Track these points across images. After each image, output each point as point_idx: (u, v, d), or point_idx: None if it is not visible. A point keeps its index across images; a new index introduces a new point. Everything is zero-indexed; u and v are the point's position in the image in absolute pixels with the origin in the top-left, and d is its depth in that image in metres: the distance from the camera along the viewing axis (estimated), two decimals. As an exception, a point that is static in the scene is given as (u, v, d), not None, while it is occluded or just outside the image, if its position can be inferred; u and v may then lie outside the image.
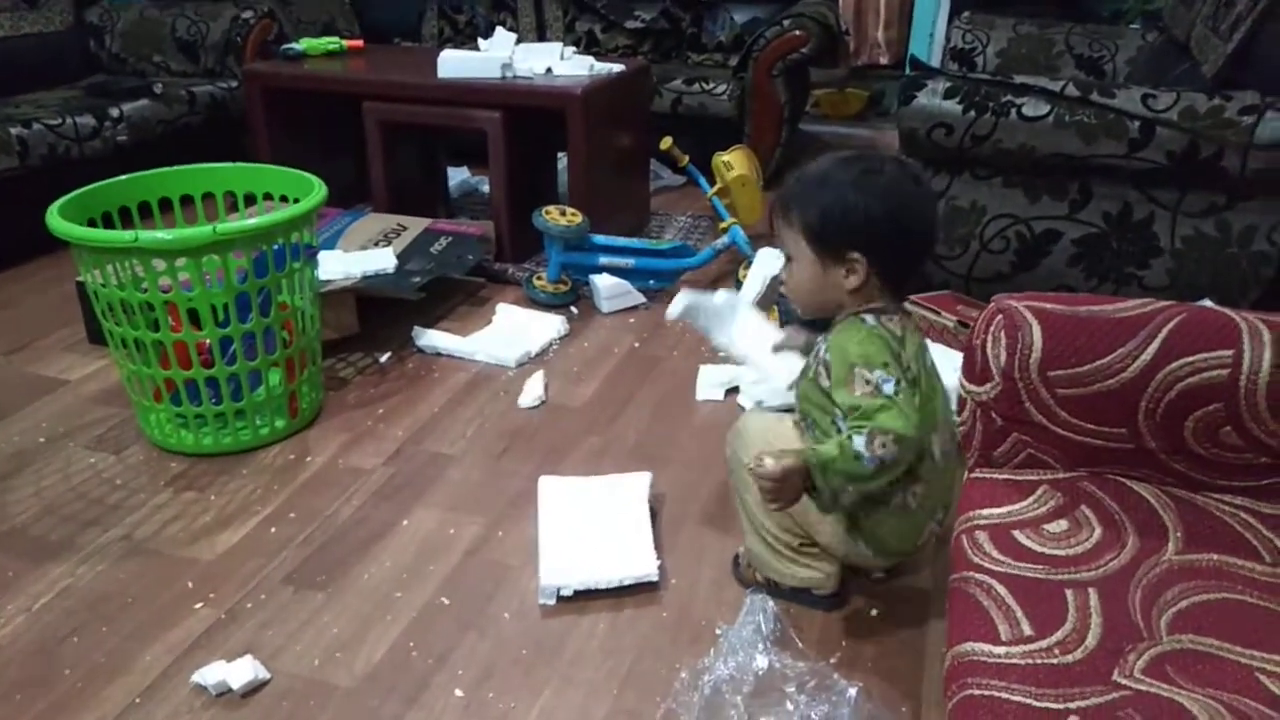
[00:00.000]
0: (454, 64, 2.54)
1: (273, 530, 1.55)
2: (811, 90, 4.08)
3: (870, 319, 1.21)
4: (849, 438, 1.14)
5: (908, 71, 2.38)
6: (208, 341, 1.67)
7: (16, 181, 2.47)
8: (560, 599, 1.38)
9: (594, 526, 1.50)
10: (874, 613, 1.38)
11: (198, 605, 1.38)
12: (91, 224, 1.67)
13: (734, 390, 1.97)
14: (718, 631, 1.30)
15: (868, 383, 1.16)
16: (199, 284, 1.61)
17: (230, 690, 1.21)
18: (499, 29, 2.80)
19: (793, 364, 1.39)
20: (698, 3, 3.64)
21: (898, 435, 1.12)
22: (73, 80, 3.10)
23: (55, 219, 1.58)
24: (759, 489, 1.18)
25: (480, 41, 2.79)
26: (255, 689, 1.23)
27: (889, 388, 1.15)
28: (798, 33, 3.13)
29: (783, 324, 2.08)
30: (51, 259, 2.53)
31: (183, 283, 1.62)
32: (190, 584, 1.42)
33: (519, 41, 2.69)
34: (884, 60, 4.56)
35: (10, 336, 2.21)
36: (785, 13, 3.23)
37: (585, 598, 1.39)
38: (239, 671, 1.22)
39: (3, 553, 1.49)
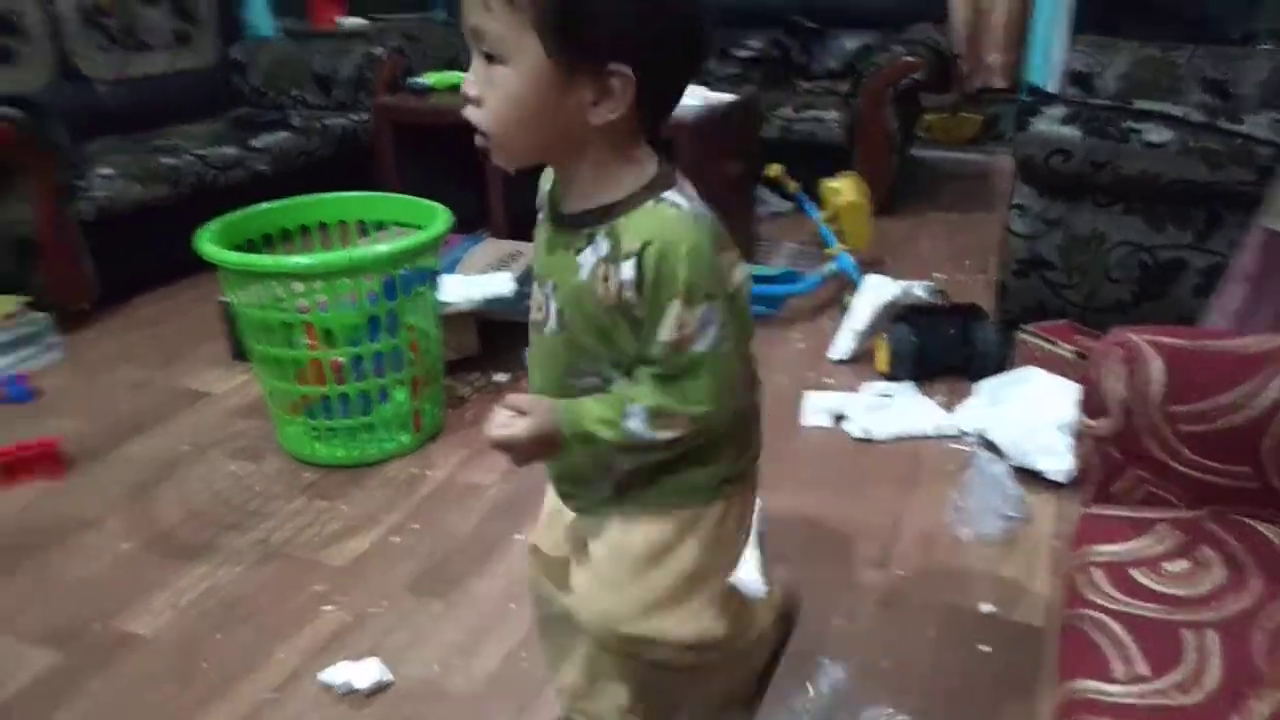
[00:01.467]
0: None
1: (396, 540, 1.63)
2: (923, 114, 4.04)
3: (680, 200, 0.80)
4: (622, 410, 0.82)
5: (1023, 96, 2.35)
6: (340, 360, 1.78)
7: (168, 208, 2.66)
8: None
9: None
10: (985, 649, 1.36)
11: (327, 608, 1.47)
12: (236, 249, 1.81)
13: (841, 418, 1.98)
14: (823, 661, 1.31)
15: (682, 325, 0.79)
16: (334, 306, 1.72)
17: (355, 690, 1.29)
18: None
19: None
20: (808, 30, 3.66)
21: (700, 414, 0.82)
22: (218, 113, 3.32)
23: (206, 244, 1.71)
24: (500, 449, 0.86)
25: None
26: (379, 690, 1.30)
27: (710, 335, 0.80)
28: (909, 59, 3.12)
29: (892, 362, 2.08)
30: (198, 279, 2.71)
31: (319, 304, 1.74)
32: (320, 588, 1.51)
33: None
34: (999, 84, 4.48)
35: (160, 352, 2.38)
36: (896, 38, 3.22)
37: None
38: (365, 672, 1.30)
39: (152, 553, 1.61)
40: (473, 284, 2.24)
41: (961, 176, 3.89)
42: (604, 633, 0.95)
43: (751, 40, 3.68)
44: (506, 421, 0.85)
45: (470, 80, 0.78)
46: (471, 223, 2.93)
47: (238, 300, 1.76)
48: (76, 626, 1.44)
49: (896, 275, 2.35)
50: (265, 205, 1.96)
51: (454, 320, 2.13)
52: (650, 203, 0.80)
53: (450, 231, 1.86)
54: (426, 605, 1.47)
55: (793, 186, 2.73)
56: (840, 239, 2.61)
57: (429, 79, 2.94)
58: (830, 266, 2.50)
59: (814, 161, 3.08)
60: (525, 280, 2.35)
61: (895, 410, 1.96)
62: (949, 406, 1.98)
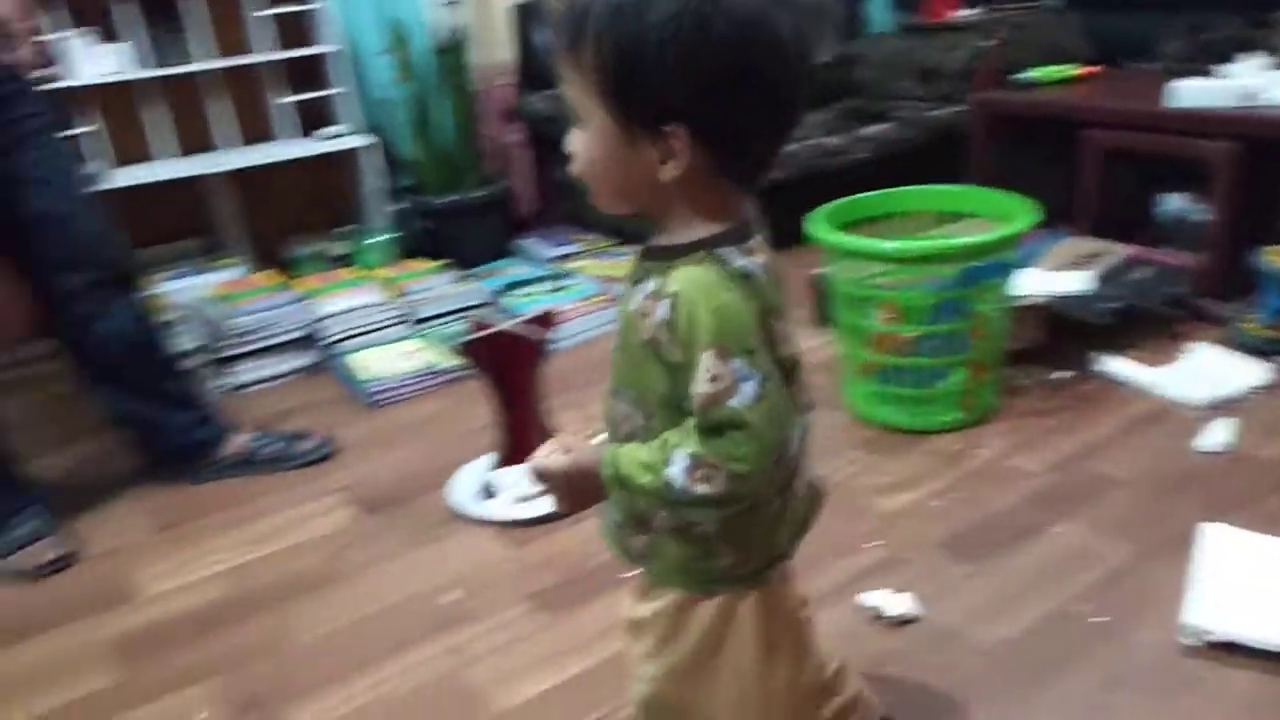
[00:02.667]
0: (1186, 92, 2.48)
1: (935, 504, 1.80)
2: None
3: (734, 259, 0.83)
4: (666, 456, 0.83)
5: None
6: (909, 335, 1.98)
7: (780, 189, 3.09)
8: (1205, 643, 1.38)
9: (1257, 583, 1.45)
10: None
11: (869, 544, 1.70)
12: (840, 230, 2.10)
13: None
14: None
15: (715, 379, 0.80)
16: (912, 286, 1.93)
17: (886, 616, 1.50)
18: (1247, 54, 2.62)
19: None
20: None
21: (738, 473, 0.81)
22: (833, 104, 3.71)
23: (817, 224, 2.02)
24: (544, 487, 0.92)
25: (1224, 66, 2.65)
26: (906, 622, 1.49)
27: (749, 390, 0.80)
28: None
29: None
30: (796, 253, 3.08)
31: (899, 283, 1.95)
32: (864, 527, 1.75)
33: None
34: None
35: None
36: None
37: (1231, 651, 1.37)
38: (898, 603, 1.50)
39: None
40: (1050, 279, 2.28)
41: None
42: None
43: None
44: (549, 453, 0.91)
45: (569, 138, 0.86)
46: (1057, 218, 2.92)
47: (834, 274, 2.05)
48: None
49: None
50: (866, 195, 2.21)
51: (1023, 312, 2.20)
52: (702, 253, 0.83)
53: (1032, 228, 1.94)
54: (958, 563, 1.62)
55: None
56: None
57: (1035, 73, 2.97)
58: None
59: None
60: (1105, 280, 2.32)
61: None
62: None
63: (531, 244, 3.35)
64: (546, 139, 3.35)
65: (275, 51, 3.08)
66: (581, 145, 0.85)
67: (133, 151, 3.06)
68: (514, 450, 1.91)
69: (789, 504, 0.94)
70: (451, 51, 3.22)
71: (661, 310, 0.82)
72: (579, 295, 2.83)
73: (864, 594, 1.55)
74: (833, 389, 2.26)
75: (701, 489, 0.82)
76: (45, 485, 2.11)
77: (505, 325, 1.92)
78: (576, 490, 0.91)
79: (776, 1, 0.78)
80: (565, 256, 3.21)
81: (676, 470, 0.82)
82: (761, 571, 0.96)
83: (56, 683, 1.57)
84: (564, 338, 1.92)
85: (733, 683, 0.97)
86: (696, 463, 0.82)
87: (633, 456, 0.86)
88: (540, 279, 2.99)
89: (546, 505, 0.97)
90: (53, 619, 1.74)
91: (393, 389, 2.47)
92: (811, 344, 2.54)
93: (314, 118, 3.22)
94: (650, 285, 0.84)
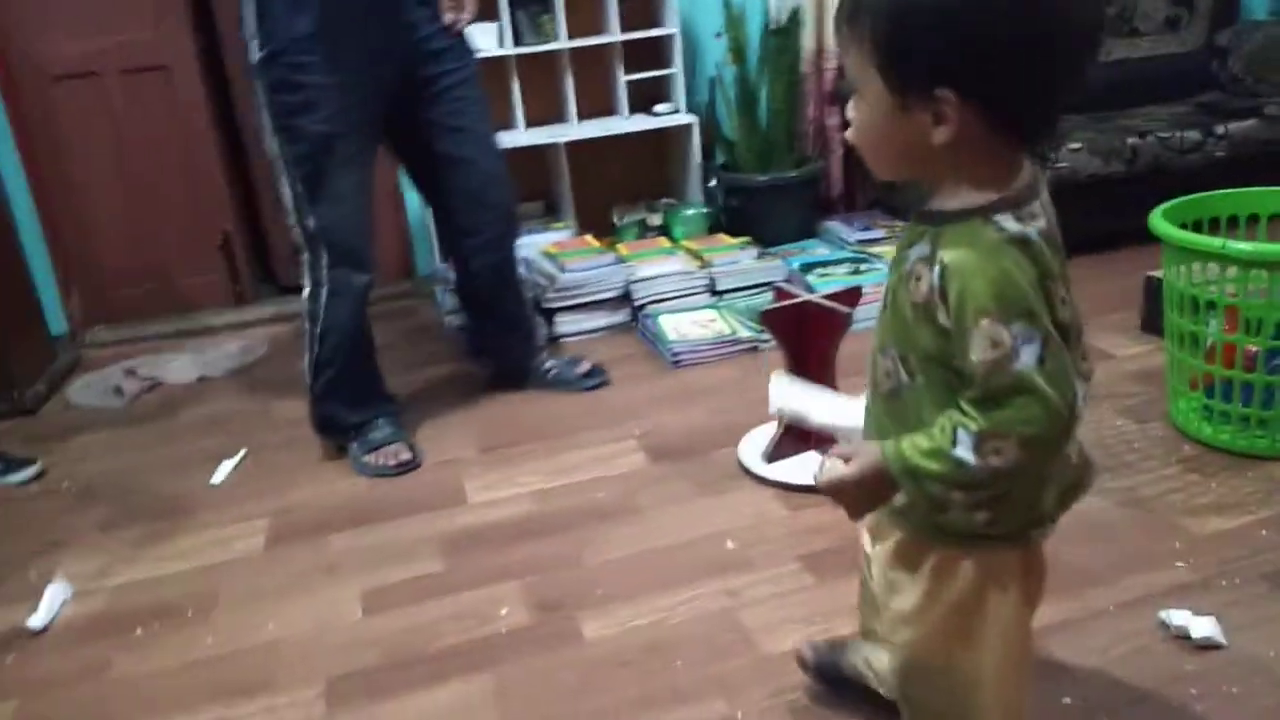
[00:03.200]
0: None
1: (1263, 533, 1.64)
2: None
3: (1009, 224, 0.82)
4: (951, 437, 0.82)
5: None
6: (1255, 349, 1.80)
7: (1121, 183, 2.89)
8: None
9: None
10: None
11: (1178, 563, 1.58)
12: (1183, 228, 1.94)
13: None
14: None
15: (995, 345, 0.79)
16: (1269, 296, 1.75)
17: (1187, 637, 1.40)
18: None
19: None
20: None
21: (1029, 437, 0.80)
22: (1187, 97, 3.38)
23: (1158, 220, 1.88)
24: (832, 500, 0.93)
25: None
26: (1208, 647, 1.38)
27: (1030, 354, 0.79)
28: None
29: None
30: (1128, 252, 2.86)
31: (1252, 292, 1.78)
32: (1176, 545, 1.63)
33: None
34: None
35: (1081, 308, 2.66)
36: None
37: None
38: (1201, 625, 1.39)
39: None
40: None
41: None
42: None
43: None
44: (833, 467, 0.91)
45: (849, 105, 0.90)
46: None
47: (1174, 276, 1.90)
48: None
49: None
50: (1216, 193, 2.02)
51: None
52: (978, 220, 0.83)
53: None
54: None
55: None
56: None
57: None
58: None
59: None
60: None
61: None
62: None
63: (836, 226, 3.37)
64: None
65: (622, 34, 3.31)
66: (858, 113, 0.89)
67: (495, 120, 3.41)
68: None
69: (1057, 467, 0.93)
70: (784, 34, 3.29)
71: (933, 276, 0.84)
72: (876, 280, 2.82)
73: (1167, 611, 1.45)
74: (1153, 399, 2.10)
75: (995, 462, 0.82)
76: (400, 400, 2.47)
77: (811, 296, 1.97)
78: (865, 496, 0.93)
79: None
80: (868, 241, 3.20)
81: (964, 449, 0.82)
82: (1025, 531, 0.95)
83: (392, 564, 1.85)
84: (857, 321, 1.94)
85: (997, 642, 0.97)
86: (983, 437, 0.81)
87: (916, 446, 0.86)
88: (840, 261, 3.01)
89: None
90: (394, 511, 2.04)
91: (694, 352, 2.62)
92: (1134, 350, 2.38)
93: (642, 94, 3.43)
94: (923, 250, 0.87)
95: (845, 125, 0.94)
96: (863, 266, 2.94)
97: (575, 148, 3.35)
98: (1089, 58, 0.83)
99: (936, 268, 0.83)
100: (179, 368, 2.96)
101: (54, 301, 3.24)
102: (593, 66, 3.41)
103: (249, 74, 2.06)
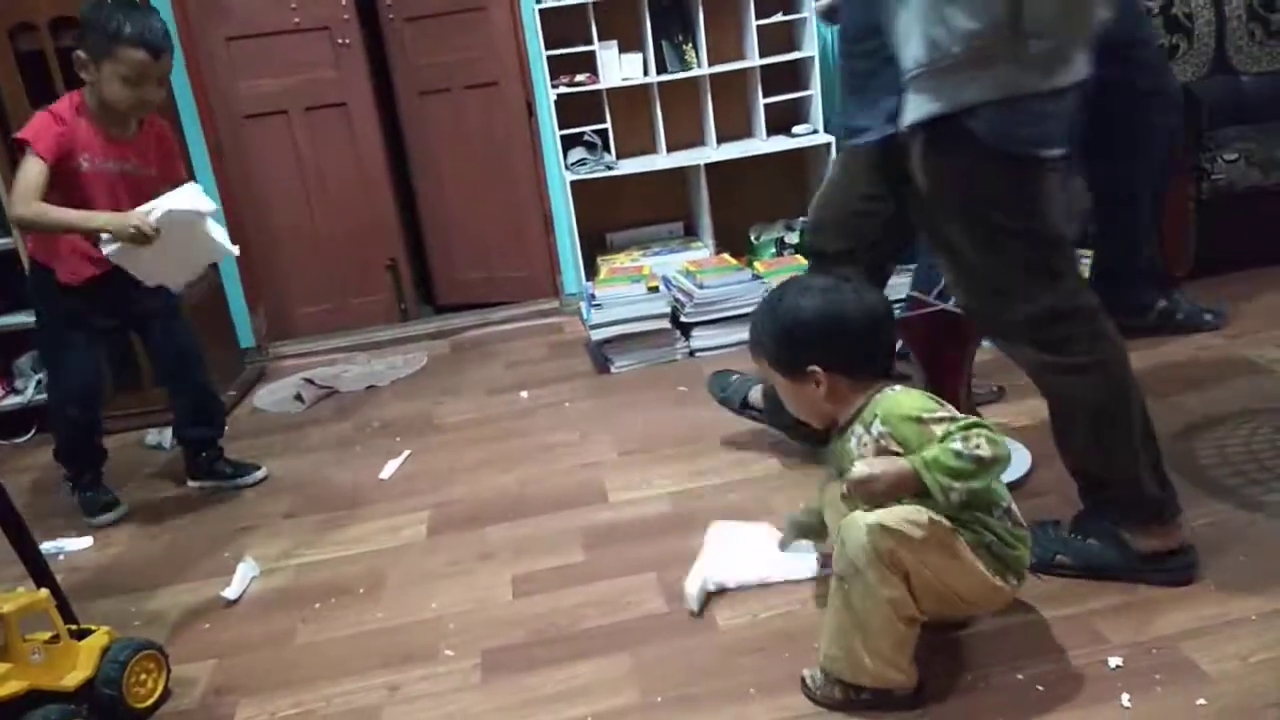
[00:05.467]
0: None
1: None
2: None
3: (892, 386, 1.46)
4: (946, 439, 1.30)
5: None
6: None
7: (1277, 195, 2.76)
8: None
9: None
10: None
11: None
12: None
13: None
14: None
15: (940, 420, 1.34)
16: None
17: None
18: None
19: None
20: None
21: (990, 436, 1.29)
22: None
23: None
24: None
25: None
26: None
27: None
28: None
29: None
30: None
31: None
32: None
33: None
34: None
35: (1241, 320, 2.60)
36: None
37: None
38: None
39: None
40: None
41: None
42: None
43: None
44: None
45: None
46: None
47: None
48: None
49: None
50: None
51: None
52: (877, 396, 1.45)
53: None
54: None
55: None
56: None
57: None
58: None
59: None
60: None
61: None
62: None
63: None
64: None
65: (761, 58, 3.40)
66: (786, 400, 1.57)
67: (638, 145, 3.57)
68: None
69: None
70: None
71: (876, 428, 1.41)
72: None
73: (1311, 621, 1.41)
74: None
75: (976, 450, 1.29)
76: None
77: (946, 305, 2.00)
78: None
79: (832, 282, 1.50)
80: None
81: (956, 441, 1.30)
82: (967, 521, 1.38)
83: (539, 553, 1.99)
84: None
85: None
86: (966, 435, 1.31)
87: (927, 450, 1.32)
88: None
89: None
90: (541, 507, 2.18)
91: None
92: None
93: (780, 116, 3.50)
94: (858, 430, 1.45)
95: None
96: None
97: (714, 169, 3.46)
98: (881, 332, 1.48)
99: (875, 420, 1.42)
100: (351, 377, 3.25)
101: (244, 318, 3.59)
102: (732, 90, 3.52)
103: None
